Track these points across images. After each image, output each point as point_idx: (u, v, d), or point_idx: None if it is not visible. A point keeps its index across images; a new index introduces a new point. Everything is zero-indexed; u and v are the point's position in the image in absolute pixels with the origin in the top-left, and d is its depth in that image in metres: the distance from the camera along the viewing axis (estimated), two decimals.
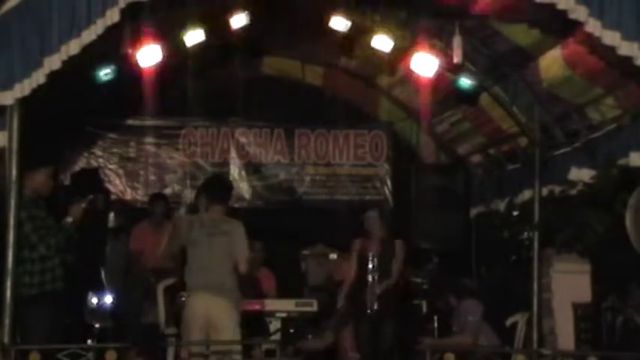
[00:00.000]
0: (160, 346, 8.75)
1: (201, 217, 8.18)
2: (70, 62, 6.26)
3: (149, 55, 8.98)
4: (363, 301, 8.86)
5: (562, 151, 9.12)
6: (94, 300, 10.68)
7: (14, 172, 6.30)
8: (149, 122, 12.30)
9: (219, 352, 7.55)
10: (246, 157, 12.48)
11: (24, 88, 6.19)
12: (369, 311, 8.84)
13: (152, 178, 12.32)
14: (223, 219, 7.98)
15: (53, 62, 6.19)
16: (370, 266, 8.90)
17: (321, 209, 12.21)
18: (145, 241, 10.28)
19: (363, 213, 9.55)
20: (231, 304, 7.76)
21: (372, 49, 9.65)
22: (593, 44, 7.33)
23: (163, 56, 9.07)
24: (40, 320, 7.08)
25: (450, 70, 9.45)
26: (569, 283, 9.32)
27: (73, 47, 6.20)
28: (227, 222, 7.96)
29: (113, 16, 6.21)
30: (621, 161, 8.10)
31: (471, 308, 9.26)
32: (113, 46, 8.59)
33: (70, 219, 7.38)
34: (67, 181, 11.22)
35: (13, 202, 6.31)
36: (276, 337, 9.13)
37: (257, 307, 9.20)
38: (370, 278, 8.87)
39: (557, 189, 9.17)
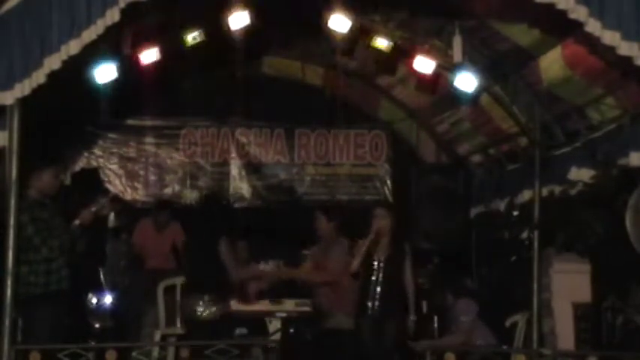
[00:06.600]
0: None
1: None
2: (70, 62, 6.25)
3: (149, 55, 8.98)
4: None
5: (562, 151, 9.10)
6: (94, 300, 10.68)
7: (14, 172, 6.29)
8: (149, 122, 12.32)
9: None
10: (246, 157, 12.48)
11: (24, 88, 6.17)
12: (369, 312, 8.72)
13: (152, 178, 12.33)
14: None
15: (53, 62, 6.17)
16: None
17: (321, 209, 12.18)
18: (146, 237, 10.27)
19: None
20: None
21: (372, 49, 9.66)
22: (593, 44, 7.33)
23: (163, 56, 9.08)
24: (42, 320, 7.07)
25: (450, 69, 9.44)
26: (569, 283, 9.31)
27: (73, 47, 6.19)
28: None
29: (113, 16, 6.20)
30: (621, 161, 8.07)
31: (465, 308, 9.32)
32: (113, 46, 8.60)
33: (77, 222, 7.33)
34: (67, 181, 11.21)
35: (13, 202, 6.30)
36: (276, 337, 9.11)
37: (256, 307, 9.22)
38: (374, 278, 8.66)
39: (557, 189, 9.15)
